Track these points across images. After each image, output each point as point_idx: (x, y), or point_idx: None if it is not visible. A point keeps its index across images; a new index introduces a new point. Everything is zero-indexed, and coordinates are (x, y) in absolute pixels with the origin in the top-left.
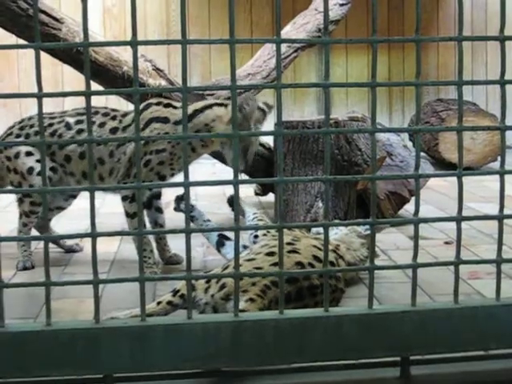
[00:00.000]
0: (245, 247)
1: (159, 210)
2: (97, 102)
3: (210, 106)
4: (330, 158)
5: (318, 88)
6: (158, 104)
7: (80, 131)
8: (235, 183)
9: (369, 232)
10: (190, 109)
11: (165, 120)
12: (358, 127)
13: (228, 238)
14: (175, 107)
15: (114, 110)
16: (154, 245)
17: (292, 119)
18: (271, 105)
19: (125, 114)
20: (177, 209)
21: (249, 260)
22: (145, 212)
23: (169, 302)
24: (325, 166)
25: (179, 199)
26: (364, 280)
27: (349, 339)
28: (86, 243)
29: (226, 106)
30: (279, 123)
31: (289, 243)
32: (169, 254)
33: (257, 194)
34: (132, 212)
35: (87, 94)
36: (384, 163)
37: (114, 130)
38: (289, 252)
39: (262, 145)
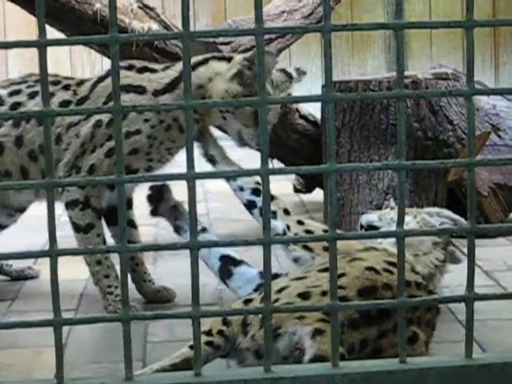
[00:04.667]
0: (276, 276)
1: (131, 224)
2: (57, 58)
3: (205, 61)
4: (407, 135)
5: (387, 31)
6: (129, 68)
7: (15, 106)
8: (264, 173)
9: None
10: (176, 70)
11: (139, 90)
12: (448, 89)
13: (238, 263)
14: (154, 70)
15: (66, 78)
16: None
17: (349, 78)
18: (304, 71)
19: (80, 83)
20: (155, 212)
21: (297, 279)
22: (104, 226)
23: (208, 343)
24: (398, 147)
25: (156, 195)
26: (457, 314)
27: None
28: (44, 266)
29: (228, 59)
30: (329, 84)
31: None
32: (153, 286)
33: (297, 190)
34: (85, 224)
35: (41, 45)
36: (488, 142)
37: (65, 104)
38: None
39: (303, 117)
